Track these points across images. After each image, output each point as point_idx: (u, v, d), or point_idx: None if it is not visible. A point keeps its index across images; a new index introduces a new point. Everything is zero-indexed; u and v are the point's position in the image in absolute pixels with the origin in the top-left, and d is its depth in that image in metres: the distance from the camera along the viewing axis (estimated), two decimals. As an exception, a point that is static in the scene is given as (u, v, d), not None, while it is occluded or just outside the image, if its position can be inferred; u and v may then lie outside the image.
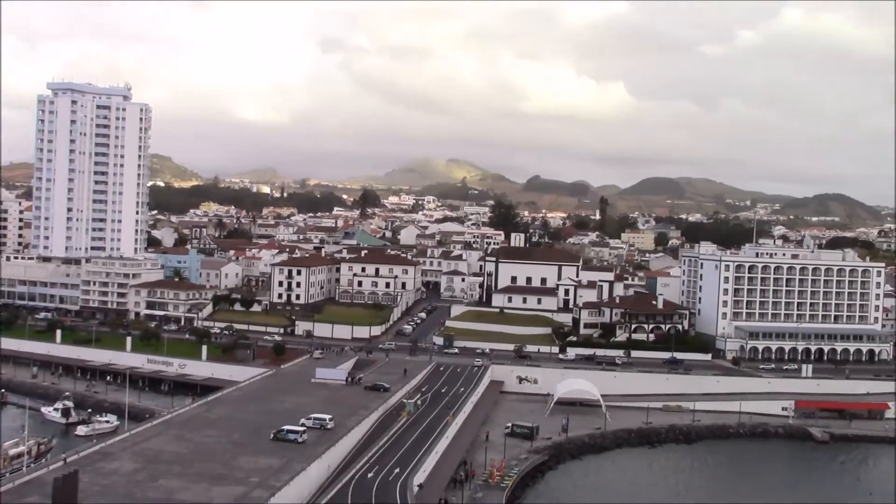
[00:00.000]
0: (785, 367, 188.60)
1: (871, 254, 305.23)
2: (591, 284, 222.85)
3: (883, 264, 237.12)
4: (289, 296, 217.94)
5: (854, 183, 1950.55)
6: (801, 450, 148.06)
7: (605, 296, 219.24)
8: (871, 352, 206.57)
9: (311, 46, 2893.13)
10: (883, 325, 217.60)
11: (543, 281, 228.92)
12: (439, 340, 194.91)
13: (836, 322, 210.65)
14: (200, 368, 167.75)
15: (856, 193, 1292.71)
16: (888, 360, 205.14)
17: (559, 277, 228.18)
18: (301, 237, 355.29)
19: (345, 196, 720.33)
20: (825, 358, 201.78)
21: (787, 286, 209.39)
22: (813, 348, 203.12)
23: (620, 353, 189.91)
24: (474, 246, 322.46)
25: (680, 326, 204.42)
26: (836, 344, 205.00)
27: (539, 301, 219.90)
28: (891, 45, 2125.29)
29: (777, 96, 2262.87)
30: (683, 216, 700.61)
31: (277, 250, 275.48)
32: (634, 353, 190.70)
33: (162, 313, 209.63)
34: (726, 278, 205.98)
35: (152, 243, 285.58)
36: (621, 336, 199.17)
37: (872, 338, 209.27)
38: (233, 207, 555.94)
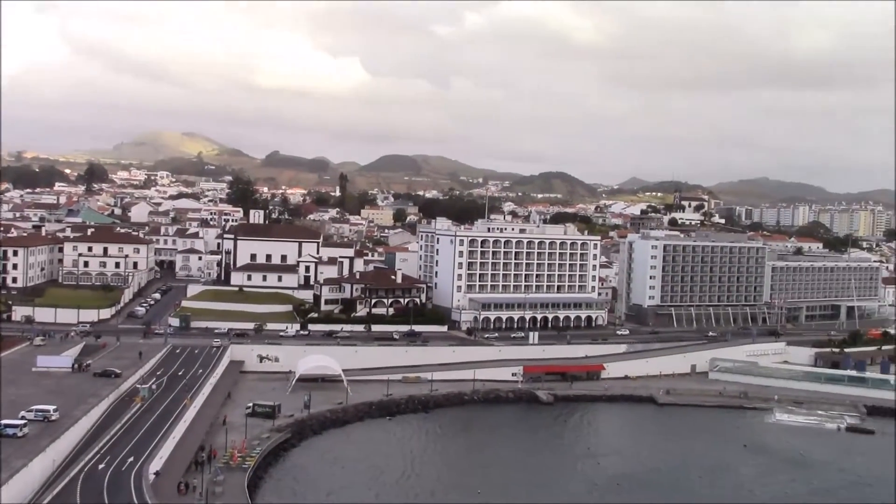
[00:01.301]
0: (514, 336, 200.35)
1: (588, 228, 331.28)
2: (332, 261, 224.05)
3: (599, 237, 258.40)
4: (3, 279, 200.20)
5: (574, 162, 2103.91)
6: (529, 411, 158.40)
7: (346, 272, 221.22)
8: (589, 318, 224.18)
9: (23, 4, 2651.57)
10: (599, 294, 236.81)
11: (284, 258, 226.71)
12: (175, 321, 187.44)
13: (560, 292, 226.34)
14: None
15: (576, 172, 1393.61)
16: (603, 325, 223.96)
17: (300, 254, 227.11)
18: (17, 215, 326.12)
19: (68, 170, 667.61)
20: (549, 325, 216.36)
21: (515, 259, 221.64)
22: (539, 317, 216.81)
23: (359, 328, 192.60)
24: (211, 223, 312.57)
25: (418, 300, 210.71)
26: (560, 312, 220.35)
27: (279, 278, 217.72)
28: (604, 34, 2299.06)
29: (504, 78, 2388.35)
30: (421, 193, 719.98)
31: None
32: (375, 328, 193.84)
33: None
34: (460, 252, 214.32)
35: None
36: (362, 311, 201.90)
37: (590, 305, 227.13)
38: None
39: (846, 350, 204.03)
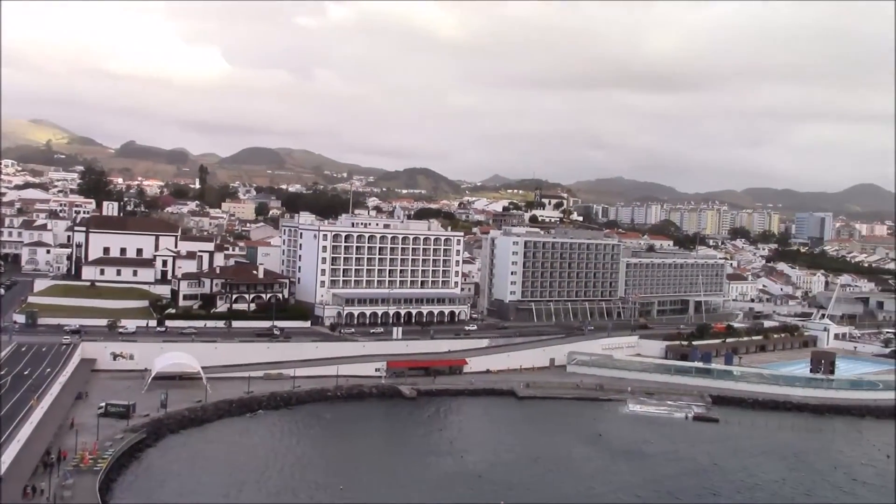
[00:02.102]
0: (378, 331, 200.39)
1: (452, 224, 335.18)
2: (191, 255, 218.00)
3: (462, 233, 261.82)
4: None
5: (439, 159, 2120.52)
6: (393, 406, 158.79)
7: (206, 266, 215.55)
8: (452, 313, 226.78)
9: None
10: (462, 289, 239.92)
11: (139, 252, 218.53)
12: (21, 318, 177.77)
13: (423, 287, 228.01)
14: None
15: (440, 168, 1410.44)
16: (466, 319, 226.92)
17: (156, 248, 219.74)
18: None
19: None
20: (413, 320, 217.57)
21: (379, 254, 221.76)
22: (403, 312, 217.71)
23: (218, 323, 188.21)
24: (61, 215, 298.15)
25: (280, 295, 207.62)
26: (423, 307, 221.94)
27: (135, 273, 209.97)
28: (468, 31, 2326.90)
29: (368, 71, 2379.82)
30: (284, 186, 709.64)
31: None
32: (236, 324, 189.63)
33: None
34: (324, 247, 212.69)
35: None
36: (222, 307, 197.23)
37: (453, 300, 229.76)
38: None
39: (694, 343, 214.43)
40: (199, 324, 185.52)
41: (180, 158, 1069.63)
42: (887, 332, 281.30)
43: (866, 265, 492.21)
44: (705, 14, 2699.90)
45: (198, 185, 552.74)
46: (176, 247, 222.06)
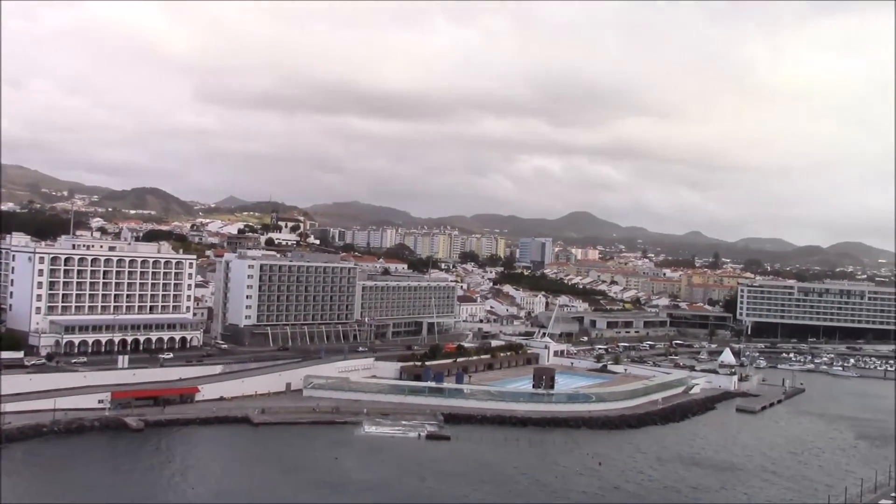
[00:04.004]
0: (101, 360, 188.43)
1: (184, 246, 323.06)
2: None
3: (194, 256, 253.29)
4: None
5: (170, 178, 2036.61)
6: (118, 440, 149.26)
7: None
8: (183, 339, 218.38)
9: None
10: (194, 314, 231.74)
11: None
12: None
13: (153, 312, 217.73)
14: None
15: (172, 188, 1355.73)
16: (199, 345, 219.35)
17: None
18: None
19: None
20: (142, 348, 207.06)
21: (104, 278, 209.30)
22: (130, 339, 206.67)
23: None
24: None
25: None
26: (153, 333, 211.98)
27: None
28: (199, 48, 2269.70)
29: (91, 84, 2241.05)
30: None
31: None
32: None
33: None
34: (41, 271, 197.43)
35: None
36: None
37: (185, 326, 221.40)
38: None
39: (427, 363, 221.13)
40: None
41: None
42: (599, 349, 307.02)
43: (581, 287, 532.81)
44: (437, 46, 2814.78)
45: None
46: None
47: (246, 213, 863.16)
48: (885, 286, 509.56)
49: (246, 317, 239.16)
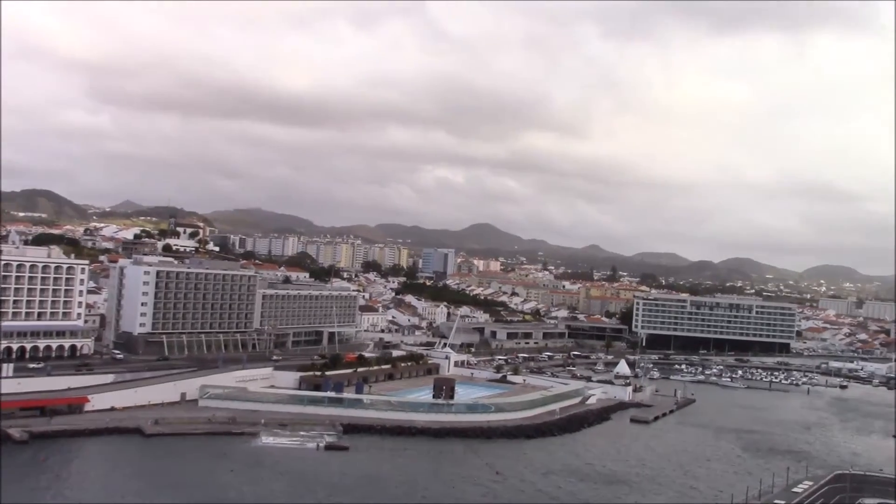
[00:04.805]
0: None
1: (76, 251, 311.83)
2: None
3: (87, 261, 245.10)
4: None
5: (62, 181, 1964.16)
6: (3, 453, 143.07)
7: None
8: (73, 347, 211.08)
9: None
10: (85, 321, 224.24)
11: None
12: None
13: (41, 319, 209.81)
14: None
15: (64, 191, 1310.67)
16: (90, 354, 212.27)
17: None
18: None
19: None
20: (28, 356, 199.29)
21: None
22: (16, 346, 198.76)
23: None
24: None
25: None
26: (40, 341, 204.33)
27: None
28: (93, 47, 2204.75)
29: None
30: None
31: None
32: None
33: None
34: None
35: None
36: None
37: (75, 333, 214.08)
38: None
39: (327, 373, 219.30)
40: None
41: None
42: (499, 359, 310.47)
43: (482, 297, 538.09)
44: (340, 53, 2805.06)
45: None
46: None
47: (143, 217, 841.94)
48: (772, 300, 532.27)
49: (140, 324, 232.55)
